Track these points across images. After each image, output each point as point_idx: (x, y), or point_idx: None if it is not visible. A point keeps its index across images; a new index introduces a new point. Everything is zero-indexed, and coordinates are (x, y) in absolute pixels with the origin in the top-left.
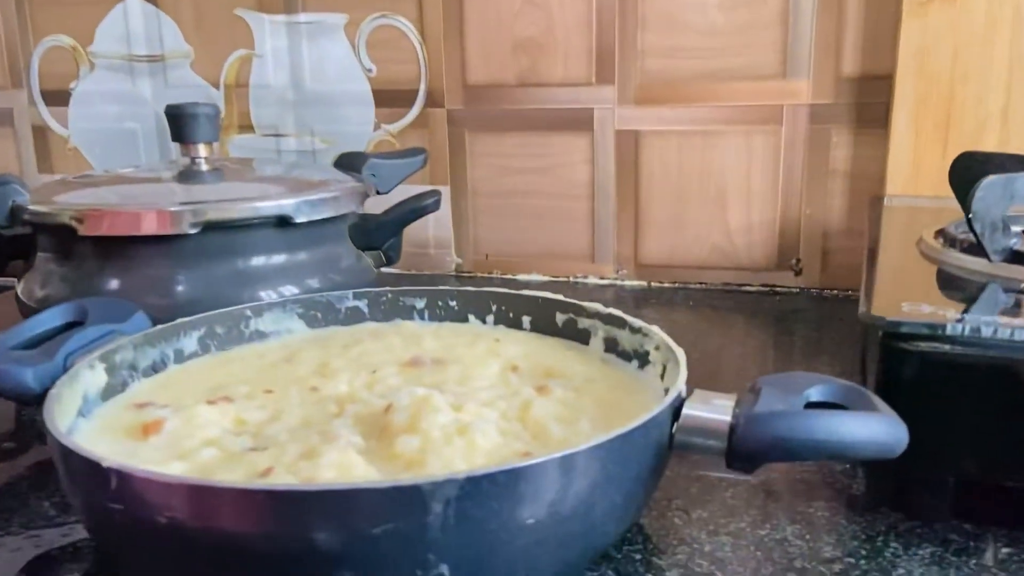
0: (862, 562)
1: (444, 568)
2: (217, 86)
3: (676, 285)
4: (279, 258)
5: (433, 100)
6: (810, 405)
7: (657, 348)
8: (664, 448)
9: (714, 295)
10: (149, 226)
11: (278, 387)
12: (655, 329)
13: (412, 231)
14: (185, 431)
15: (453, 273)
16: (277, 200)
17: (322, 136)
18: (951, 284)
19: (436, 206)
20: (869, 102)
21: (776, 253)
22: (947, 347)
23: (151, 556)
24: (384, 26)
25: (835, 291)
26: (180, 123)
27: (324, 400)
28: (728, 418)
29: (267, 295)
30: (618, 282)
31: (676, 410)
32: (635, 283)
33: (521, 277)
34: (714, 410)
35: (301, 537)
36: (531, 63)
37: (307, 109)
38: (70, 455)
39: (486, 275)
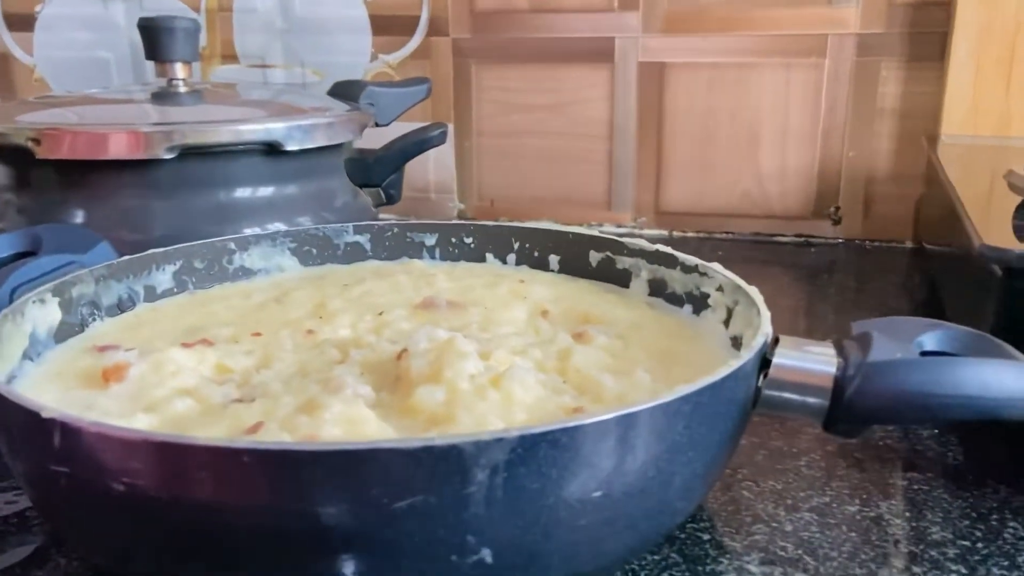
0: (979, 545)
1: (486, 553)
2: (198, 10)
3: (700, 235)
4: (266, 191)
5: (436, 28)
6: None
7: (719, 289)
8: (748, 407)
9: (742, 246)
10: (117, 149)
11: (268, 330)
12: (716, 267)
13: (411, 174)
14: (154, 378)
15: (455, 220)
16: (264, 124)
17: (313, 67)
18: None
19: (442, 139)
20: (924, 32)
21: (813, 200)
22: None
23: (105, 533)
24: None
25: (878, 242)
26: (155, 38)
27: (323, 345)
28: (832, 369)
29: (252, 232)
30: (637, 231)
31: (764, 360)
32: (655, 232)
33: (530, 224)
34: (813, 359)
35: (301, 512)
36: None
37: (296, 37)
38: (4, 403)
39: (492, 221)
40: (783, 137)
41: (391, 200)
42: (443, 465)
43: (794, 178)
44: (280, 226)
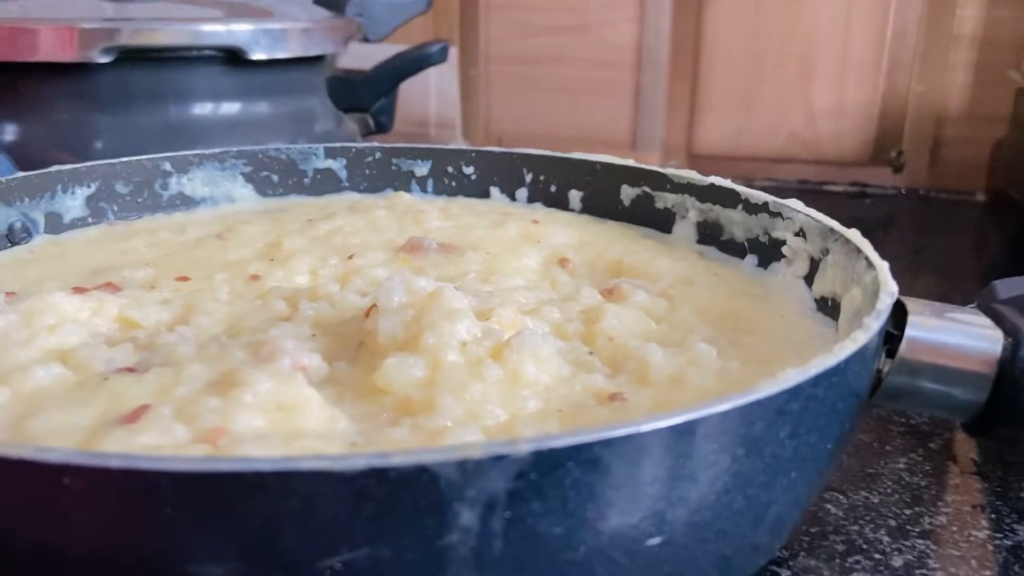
0: None
1: None
2: None
3: (739, 182)
4: (229, 108)
5: None
6: None
7: (799, 234)
8: (864, 402)
9: (789, 196)
10: (47, 48)
11: (199, 274)
12: (795, 204)
13: (409, 105)
14: (23, 334)
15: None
16: (227, 25)
17: None
18: None
19: (442, 56)
20: None
21: (872, 143)
22: None
23: None
24: None
25: (945, 194)
26: None
27: (268, 296)
28: (997, 349)
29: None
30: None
31: (886, 337)
32: None
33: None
34: (966, 333)
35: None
36: None
37: None
38: None
39: (497, 149)
40: (841, 68)
41: (381, 128)
42: (405, 498)
43: (851, 117)
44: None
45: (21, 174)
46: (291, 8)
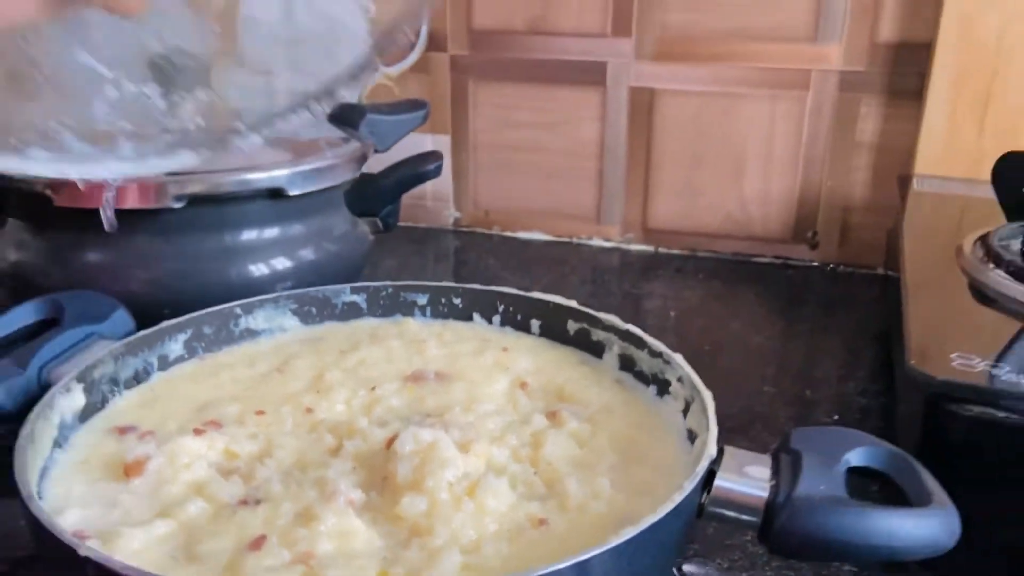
0: None
1: None
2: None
3: (685, 252)
4: (271, 231)
5: (435, 43)
6: (851, 471)
7: (680, 381)
8: (693, 519)
9: (725, 265)
10: (131, 200)
11: (270, 407)
12: (678, 359)
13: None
14: (169, 471)
15: (451, 227)
16: (270, 172)
17: None
18: (999, 318)
19: (437, 172)
20: (904, 72)
21: (792, 225)
22: (1001, 413)
23: None
24: None
25: (852, 267)
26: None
27: (319, 428)
28: (764, 495)
29: (257, 268)
30: (623, 246)
31: (708, 476)
32: (642, 248)
33: (522, 235)
34: (750, 484)
35: None
36: (542, 9)
37: (299, 45)
38: (42, 532)
39: (485, 231)
40: (766, 164)
41: (388, 228)
42: None
43: (775, 203)
44: (284, 261)
45: (142, 333)
46: (316, 130)
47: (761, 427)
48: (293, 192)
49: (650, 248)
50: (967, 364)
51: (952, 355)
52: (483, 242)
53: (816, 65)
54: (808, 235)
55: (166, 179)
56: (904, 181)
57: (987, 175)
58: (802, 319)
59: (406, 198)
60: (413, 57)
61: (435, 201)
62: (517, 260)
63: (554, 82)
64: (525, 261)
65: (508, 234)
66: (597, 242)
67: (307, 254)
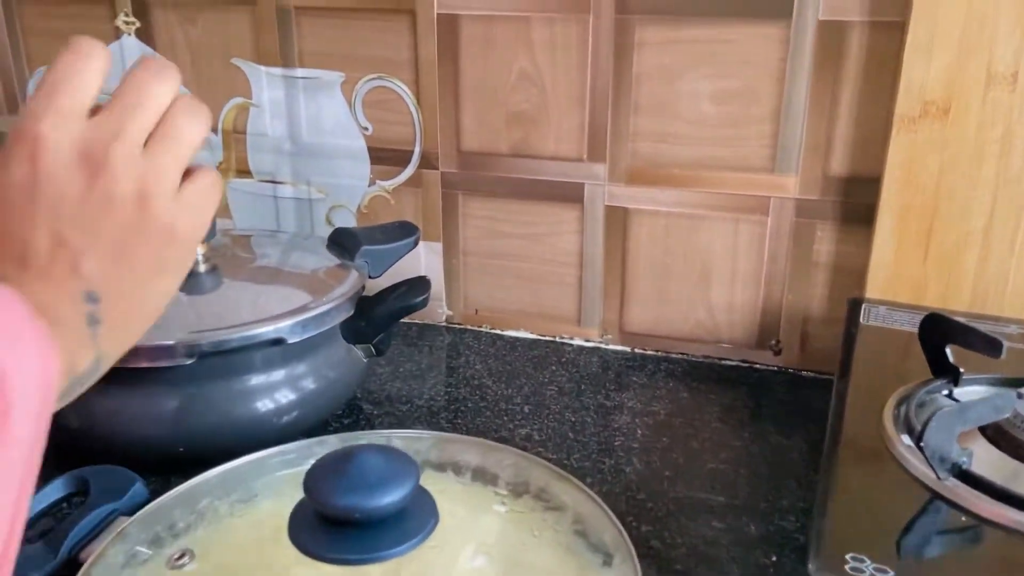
0: None
1: None
2: (215, 130)
3: (659, 353)
4: (276, 374)
5: (428, 162)
6: None
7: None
8: None
9: (695, 366)
10: (147, 358)
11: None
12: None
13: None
14: None
15: (443, 323)
16: (274, 324)
17: (318, 187)
18: (902, 502)
19: (424, 304)
20: (855, 202)
21: (757, 332)
22: None
23: None
24: (380, 87)
25: (812, 372)
26: None
27: None
28: None
29: (263, 404)
30: (603, 346)
31: None
32: (620, 348)
33: (509, 333)
34: None
35: None
36: (524, 136)
37: (304, 160)
38: None
39: (475, 328)
40: (731, 278)
41: (380, 353)
42: None
43: (740, 312)
44: (288, 394)
45: (160, 499)
46: (316, 260)
47: (705, 570)
48: (294, 340)
49: (627, 348)
50: (858, 571)
51: (847, 556)
52: (473, 339)
53: (774, 193)
54: (771, 343)
55: (178, 340)
56: (855, 306)
57: (931, 300)
58: (763, 432)
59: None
60: (408, 173)
61: (430, 300)
62: (503, 362)
63: (536, 199)
64: (511, 362)
65: (497, 331)
66: (578, 341)
67: (307, 384)
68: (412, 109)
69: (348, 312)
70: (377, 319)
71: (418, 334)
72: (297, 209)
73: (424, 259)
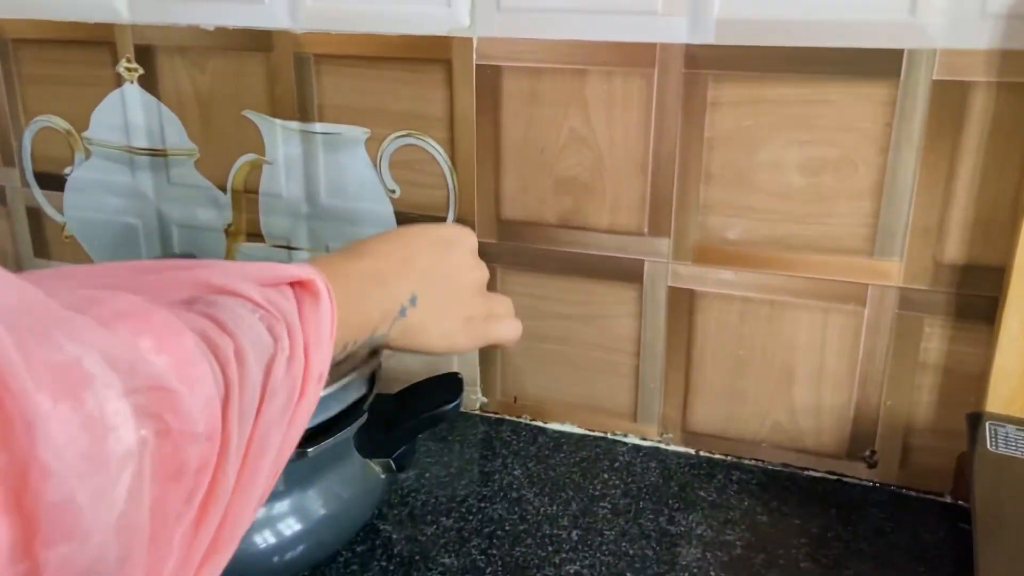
0: None
1: None
2: (224, 188)
3: (729, 459)
4: (279, 500)
5: None
6: None
7: None
8: None
9: (772, 476)
10: None
11: None
12: None
13: (435, 365)
14: None
15: (478, 411)
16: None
17: None
18: None
19: (455, 411)
20: (973, 295)
21: (848, 441)
22: None
23: None
24: (410, 146)
25: (915, 491)
26: None
27: None
28: None
29: (262, 540)
30: (662, 446)
31: None
32: (681, 449)
33: (553, 426)
34: None
35: None
36: (575, 204)
37: (322, 223)
38: None
39: (514, 418)
40: (818, 376)
41: (402, 469)
42: None
43: (828, 417)
44: (294, 524)
45: None
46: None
47: None
48: (296, 456)
49: (690, 451)
50: None
51: None
52: (511, 433)
53: (874, 280)
54: (865, 454)
55: None
56: (974, 421)
57: None
58: (858, 546)
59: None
60: None
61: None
62: (547, 465)
63: (587, 276)
64: (556, 466)
65: (539, 424)
66: (633, 440)
67: (316, 510)
68: (446, 170)
69: (362, 420)
70: (398, 430)
71: (448, 424)
72: None
73: None
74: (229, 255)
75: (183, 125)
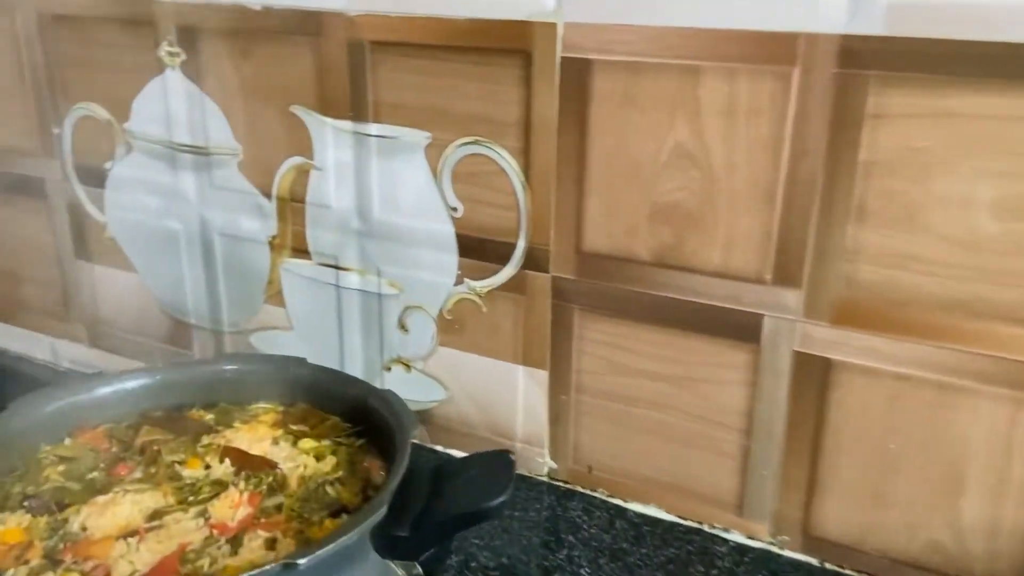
0: None
1: None
2: (268, 195)
3: None
4: None
5: (535, 262)
6: None
7: None
8: None
9: None
10: None
11: None
12: None
13: (495, 418)
14: None
15: (544, 478)
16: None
17: (391, 279)
18: None
19: (500, 510)
20: None
21: None
22: None
23: None
24: (476, 156)
25: None
26: None
27: None
28: None
29: None
30: (775, 550)
31: None
32: (800, 558)
33: (635, 507)
34: None
35: None
36: (676, 238)
37: (374, 242)
38: None
39: (588, 491)
40: (998, 487)
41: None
42: None
43: (1009, 540)
44: None
45: None
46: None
47: None
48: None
49: (812, 561)
50: None
51: None
52: (583, 511)
53: None
54: None
55: None
56: None
57: None
58: None
59: (491, 434)
60: (507, 273)
61: (527, 445)
62: (625, 564)
63: (686, 328)
64: (638, 564)
65: (617, 502)
66: (737, 538)
67: None
68: (517, 188)
69: (379, 515)
70: (427, 527)
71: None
72: (364, 305)
73: (523, 390)
74: (273, 271)
75: (226, 119)
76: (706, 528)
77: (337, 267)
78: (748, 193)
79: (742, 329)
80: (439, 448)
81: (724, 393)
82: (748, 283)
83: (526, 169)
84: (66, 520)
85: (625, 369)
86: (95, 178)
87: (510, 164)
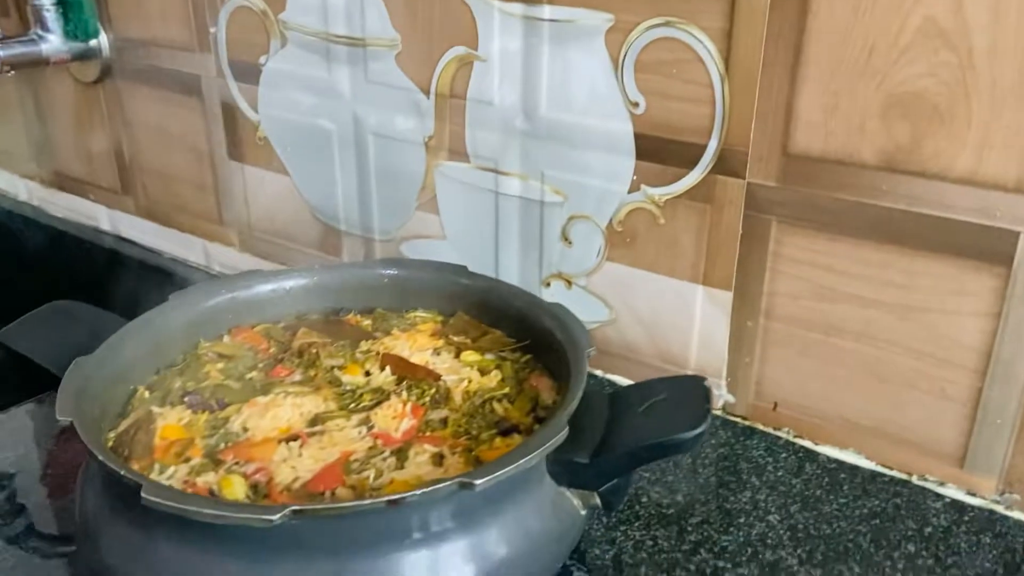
0: None
1: None
2: (427, 91)
3: None
4: (446, 540)
5: (727, 165)
6: None
7: None
8: None
9: None
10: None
11: None
12: None
13: (665, 344)
14: None
15: (719, 412)
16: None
17: (555, 185)
18: None
19: (692, 444)
20: None
21: None
22: None
23: None
24: (666, 39)
25: None
26: None
27: None
28: None
29: None
30: (999, 509)
31: None
32: None
33: (827, 450)
34: None
35: None
36: (913, 137)
37: (539, 144)
38: None
39: (771, 431)
40: None
41: (609, 508)
42: None
43: None
44: (464, 569)
45: None
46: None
47: None
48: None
49: None
50: None
51: None
52: (766, 451)
53: None
54: None
55: None
56: None
57: None
58: None
59: (659, 361)
60: (693, 178)
61: (700, 375)
62: (818, 513)
63: (916, 247)
64: (832, 516)
65: (807, 444)
66: (953, 492)
67: (494, 551)
68: (715, 77)
69: (560, 438)
70: (609, 456)
71: None
72: (524, 213)
73: (700, 313)
74: (428, 175)
75: (384, 5)
76: (914, 480)
77: (497, 171)
78: (1016, 82)
79: (989, 249)
80: (598, 373)
81: (957, 326)
82: (1004, 192)
83: (726, 55)
84: (227, 419)
85: (830, 293)
86: (249, 75)
87: (708, 49)
